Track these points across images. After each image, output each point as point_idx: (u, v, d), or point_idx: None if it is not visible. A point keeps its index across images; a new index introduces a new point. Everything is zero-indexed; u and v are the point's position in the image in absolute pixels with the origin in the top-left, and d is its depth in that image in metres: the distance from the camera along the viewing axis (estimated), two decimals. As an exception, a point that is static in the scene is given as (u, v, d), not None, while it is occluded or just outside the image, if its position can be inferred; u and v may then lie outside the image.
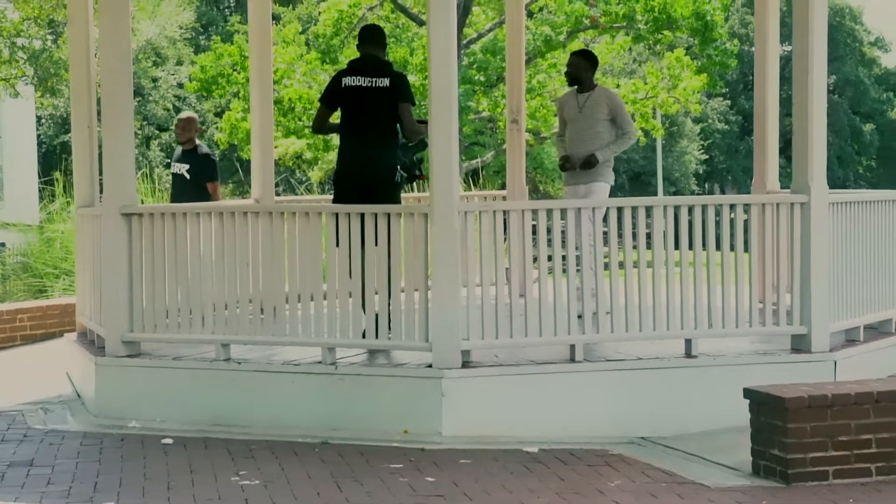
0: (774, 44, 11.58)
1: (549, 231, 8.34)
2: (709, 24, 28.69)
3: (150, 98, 46.17)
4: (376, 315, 8.35)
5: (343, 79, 9.16)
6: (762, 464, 7.02)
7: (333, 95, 9.23)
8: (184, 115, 12.77)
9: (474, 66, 29.37)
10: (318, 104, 9.38)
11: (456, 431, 8.02)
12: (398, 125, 9.13)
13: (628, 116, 10.55)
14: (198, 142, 12.44)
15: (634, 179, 57.07)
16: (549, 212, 8.43)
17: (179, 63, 47.71)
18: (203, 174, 12.13)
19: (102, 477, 7.07)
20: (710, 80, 30.20)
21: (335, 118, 9.37)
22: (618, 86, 31.30)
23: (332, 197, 9.70)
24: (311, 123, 9.38)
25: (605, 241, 8.55)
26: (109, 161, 9.02)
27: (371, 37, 9.37)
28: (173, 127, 12.52)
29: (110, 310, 9.00)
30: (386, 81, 9.09)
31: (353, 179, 9.07)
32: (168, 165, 14.42)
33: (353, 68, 9.20)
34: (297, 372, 8.46)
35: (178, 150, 12.61)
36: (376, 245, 8.30)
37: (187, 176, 12.17)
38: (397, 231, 8.26)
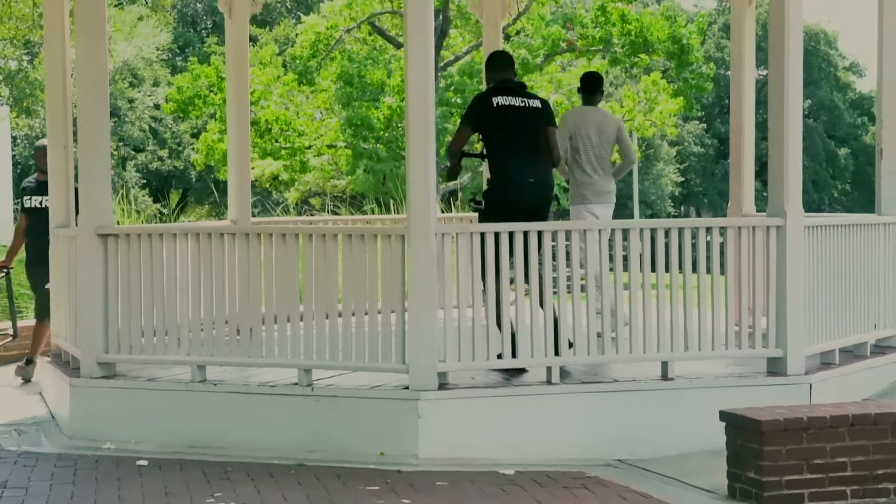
0: (750, 68, 11.65)
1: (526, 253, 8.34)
2: (685, 47, 28.84)
3: (127, 119, 46.08)
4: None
5: (494, 98, 8.91)
6: (738, 486, 7.03)
7: (484, 115, 8.90)
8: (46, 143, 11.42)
9: (451, 88, 29.43)
10: (460, 125, 8.99)
11: (432, 453, 8.00)
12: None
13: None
14: None
15: (611, 202, 57.19)
16: (526, 234, 8.44)
17: (156, 84, 47.67)
18: None
19: (77, 499, 7.03)
20: (686, 103, 30.34)
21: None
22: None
23: (310, 218, 9.63)
24: (448, 145, 8.90)
25: (582, 265, 8.56)
26: (85, 182, 9.00)
27: (507, 61, 9.32)
28: (35, 155, 11.60)
29: (85, 331, 8.96)
30: (538, 103, 9.05)
31: (527, 199, 8.81)
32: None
33: (503, 88, 8.98)
34: (273, 393, 8.44)
35: (32, 181, 11.60)
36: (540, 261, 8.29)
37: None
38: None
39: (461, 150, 9.04)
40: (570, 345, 8.46)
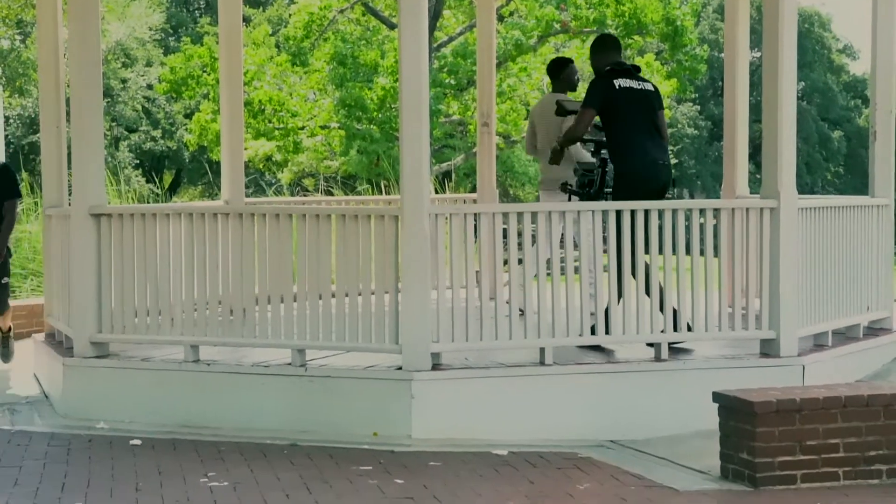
0: (744, 50, 11.64)
1: (519, 234, 8.34)
2: (679, 29, 28.80)
3: (120, 99, 45.95)
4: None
5: (615, 81, 8.90)
6: (731, 468, 7.04)
7: (609, 97, 8.86)
8: None
9: (445, 69, 29.39)
10: (584, 108, 8.94)
11: (425, 434, 8.02)
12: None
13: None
14: None
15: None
16: (520, 215, 8.44)
17: (149, 64, 47.51)
18: (8, 189, 10.47)
19: (70, 478, 7.03)
20: (679, 85, 30.32)
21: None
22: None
23: (303, 198, 9.62)
24: (567, 133, 8.79)
25: (576, 246, 8.56)
26: (78, 162, 8.99)
27: (616, 44, 9.31)
28: None
29: (79, 311, 8.96)
30: (650, 86, 9.07)
31: (661, 180, 8.91)
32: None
33: (620, 70, 8.98)
34: (266, 374, 8.44)
35: None
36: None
37: None
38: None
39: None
40: (689, 328, 8.55)
